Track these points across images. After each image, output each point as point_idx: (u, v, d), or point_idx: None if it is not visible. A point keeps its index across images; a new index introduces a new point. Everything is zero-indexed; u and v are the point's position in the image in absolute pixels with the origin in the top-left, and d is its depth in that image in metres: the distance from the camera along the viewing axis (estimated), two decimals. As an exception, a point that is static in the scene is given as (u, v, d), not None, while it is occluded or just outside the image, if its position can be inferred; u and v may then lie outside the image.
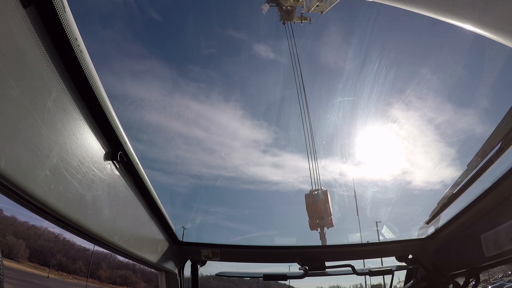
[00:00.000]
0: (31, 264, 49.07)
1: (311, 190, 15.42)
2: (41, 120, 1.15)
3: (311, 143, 17.27)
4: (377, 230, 28.95)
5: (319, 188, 15.49)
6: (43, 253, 52.83)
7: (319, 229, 14.53)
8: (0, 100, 0.97)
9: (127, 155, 1.83)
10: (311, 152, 17.06)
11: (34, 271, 47.28)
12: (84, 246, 58.54)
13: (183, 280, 3.46)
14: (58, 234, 56.61)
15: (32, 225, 55.91)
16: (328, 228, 14.39)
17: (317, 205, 14.60)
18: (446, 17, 2.87)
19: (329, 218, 14.44)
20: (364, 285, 41.47)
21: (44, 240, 55.60)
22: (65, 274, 53.02)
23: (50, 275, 48.73)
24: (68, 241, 57.60)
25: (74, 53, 1.26)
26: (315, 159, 16.96)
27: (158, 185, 2.29)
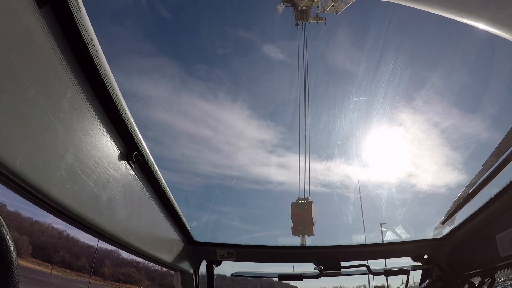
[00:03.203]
0: (34, 260, 49.04)
1: (298, 198, 16.41)
2: (56, 120, 1.15)
3: (307, 150, 18.06)
4: (381, 231, 29.20)
5: (306, 198, 16.49)
6: (47, 250, 52.80)
7: (301, 235, 15.58)
8: (16, 100, 0.97)
9: (142, 155, 1.84)
10: (305, 159, 17.92)
11: (37, 267, 47.24)
12: (87, 243, 58.55)
13: (199, 280, 3.46)
14: (62, 230, 56.65)
15: (36, 221, 55.90)
16: (308, 236, 15.50)
17: (301, 214, 15.75)
18: (459, 15, 2.85)
19: (311, 227, 15.60)
20: (367, 286, 41.32)
21: (47, 236, 55.56)
22: (68, 271, 52.97)
23: (53, 272, 48.74)
24: (72, 237, 57.63)
25: (89, 53, 1.25)
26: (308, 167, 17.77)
27: (168, 184, 2.32)
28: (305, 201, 16.30)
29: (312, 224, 15.62)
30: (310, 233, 15.54)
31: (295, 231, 15.60)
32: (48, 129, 1.11)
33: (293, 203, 16.27)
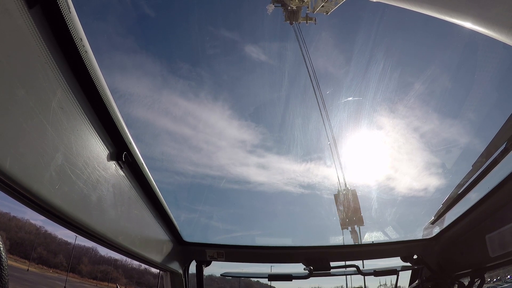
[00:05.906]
0: (11, 256, 48.15)
1: (339, 190, 15.99)
2: (46, 120, 1.15)
3: (333, 142, 17.71)
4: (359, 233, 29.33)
5: (346, 188, 16.01)
6: (24, 246, 51.99)
7: (350, 228, 15.06)
8: (6, 100, 0.97)
9: (132, 155, 1.84)
10: (336, 153, 17.51)
11: (14, 263, 46.58)
12: (65, 240, 57.94)
13: (188, 281, 3.44)
14: (40, 226, 55.93)
15: (14, 217, 55.05)
16: (358, 226, 14.95)
17: (347, 204, 15.24)
18: (448, 14, 2.88)
19: (360, 216, 15.01)
20: (345, 286, 41.55)
21: (25, 232, 54.74)
22: (45, 267, 52.33)
23: (30, 268, 48.05)
24: (50, 234, 56.91)
25: (79, 53, 1.26)
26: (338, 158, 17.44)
27: (157, 184, 2.33)
28: (346, 190, 15.92)
29: (360, 212, 15.23)
30: (361, 222, 15.07)
31: (343, 224, 15.19)
32: (37, 129, 1.11)
33: (335, 195, 15.94)
